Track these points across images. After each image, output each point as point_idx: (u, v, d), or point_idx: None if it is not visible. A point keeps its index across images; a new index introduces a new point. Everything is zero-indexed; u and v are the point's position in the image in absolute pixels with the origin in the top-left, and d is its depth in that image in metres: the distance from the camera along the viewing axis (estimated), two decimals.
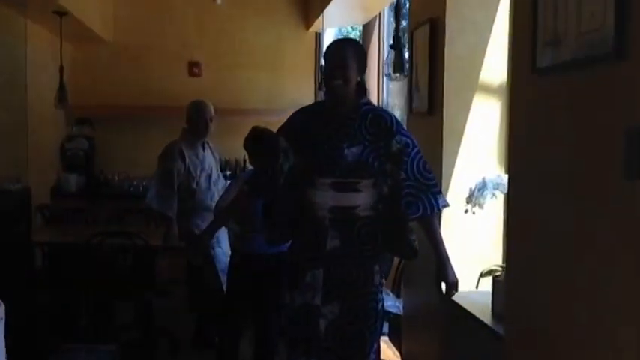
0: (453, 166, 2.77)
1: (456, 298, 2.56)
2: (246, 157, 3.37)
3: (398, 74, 2.43)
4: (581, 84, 1.61)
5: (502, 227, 2.81)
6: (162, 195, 3.69)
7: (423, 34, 2.97)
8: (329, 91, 2.31)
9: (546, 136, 1.78)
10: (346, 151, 2.25)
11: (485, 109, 2.79)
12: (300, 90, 5.72)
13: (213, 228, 2.75)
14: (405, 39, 2.57)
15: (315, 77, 5.77)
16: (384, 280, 2.39)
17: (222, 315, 3.31)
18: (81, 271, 3.67)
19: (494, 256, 2.78)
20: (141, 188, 5.40)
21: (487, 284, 2.52)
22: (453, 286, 2.28)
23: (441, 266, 2.27)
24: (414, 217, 2.25)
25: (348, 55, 2.25)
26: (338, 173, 2.26)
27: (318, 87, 5.60)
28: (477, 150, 2.79)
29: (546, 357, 1.79)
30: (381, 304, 2.35)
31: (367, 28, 5.30)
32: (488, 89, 2.78)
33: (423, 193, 2.24)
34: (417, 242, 2.34)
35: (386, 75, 2.67)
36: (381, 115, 2.30)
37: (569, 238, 1.65)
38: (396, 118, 2.32)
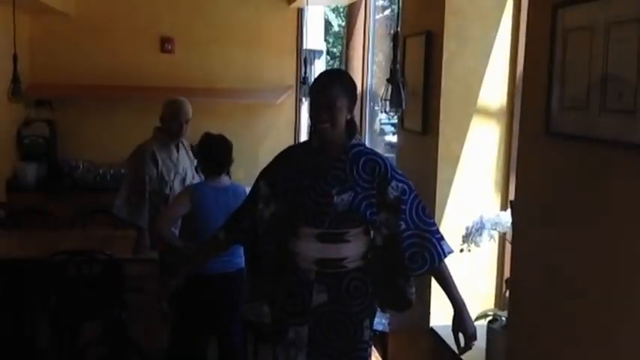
0: (447, 195, 2.57)
1: (448, 342, 2.41)
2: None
3: (394, 111, 2.18)
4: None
5: (496, 264, 2.64)
6: (132, 203, 3.41)
7: (417, 44, 2.71)
8: (315, 134, 2.07)
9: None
10: (336, 199, 2.03)
11: (484, 133, 2.57)
12: (280, 69, 5.34)
13: (186, 271, 2.41)
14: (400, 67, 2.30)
15: (297, 56, 5.40)
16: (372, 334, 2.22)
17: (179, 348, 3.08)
18: (42, 292, 3.37)
19: (486, 292, 2.63)
20: (108, 177, 4.99)
21: (481, 328, 2.36)
22: (473, 337, 2.07)
23: (458, 315, 2.06)
24: (420, 272, 2.05)
25: (336, 93, 2.00)
26: (326, 224, 2.05)
27: (300, 65, 5.22)
28: (474, 178, 2.59)
29: None
30: (370, 359, 2.20)
31: (352, 9, 4.95)
32: (486, 113, 2.56)
33: (428, 241, 2.03)
34: (414, 294, 2.16)
35: (381, 111, 2.41)
36: (374, 159, 2.07)
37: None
38: (390, 162, 2.10)
